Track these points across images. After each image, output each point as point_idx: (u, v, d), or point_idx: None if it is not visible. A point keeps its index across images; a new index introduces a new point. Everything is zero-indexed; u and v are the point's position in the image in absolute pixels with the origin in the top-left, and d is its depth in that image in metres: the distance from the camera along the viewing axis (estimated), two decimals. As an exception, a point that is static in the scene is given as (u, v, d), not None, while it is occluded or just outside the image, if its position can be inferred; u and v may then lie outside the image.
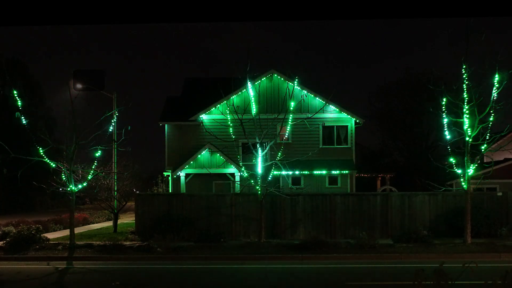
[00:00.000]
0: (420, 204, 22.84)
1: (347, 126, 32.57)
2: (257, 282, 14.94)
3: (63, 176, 21.41)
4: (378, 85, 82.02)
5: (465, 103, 19.81)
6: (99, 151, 22.05)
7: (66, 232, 23.94)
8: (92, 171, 22.51)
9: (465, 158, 20.13)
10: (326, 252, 18.96)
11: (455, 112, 20.54)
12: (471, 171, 20.17)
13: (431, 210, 22.80)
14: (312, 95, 31.98)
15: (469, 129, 19.92)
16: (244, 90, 26.30)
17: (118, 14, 4.02)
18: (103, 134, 22.09)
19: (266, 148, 22.02)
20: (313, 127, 31.56)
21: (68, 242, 20.83)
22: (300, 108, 29.66)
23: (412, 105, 46.14)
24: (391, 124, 49.59)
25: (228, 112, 24.50)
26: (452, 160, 20.74)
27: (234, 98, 27.22)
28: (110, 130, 22.80)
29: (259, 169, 21.54)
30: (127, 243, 21.13)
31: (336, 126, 32.58)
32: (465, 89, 19.79)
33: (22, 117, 20.98)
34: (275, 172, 24.46)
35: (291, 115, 23.03)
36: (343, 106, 32.55)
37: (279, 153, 22.19)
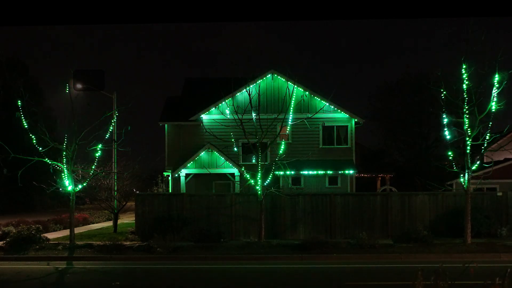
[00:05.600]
0: (420, 204, 22.83)
1: (347, 126, 32.56)
2: (257, 282, 14.94)
3: (63, 176, 21.41)
4: (378, 85, 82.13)
5: (465, 103, 19.81)
6: (99, 151, 22.07)
7: (66, 232, 23.93)
8: (92, 171, 22.51)
9: (465, 158, 20.13)
10: (326, 252, 18.96)
11: (455, 112, 20.53)
12: (471, 171, 20.16)
13: (431, 210, 22.80)
14: (312, 95, 31.97)
15: (469, 129, 19.91)
16: (244, 90, 26.29)
17: (118, 14, 4.02)
18: (103, 134, 22.10)
19: (266, 148, 22.02)
20: (313, 127, 31.56)
21: (68, 242, 20.83)
22: (300, 108, 29.65)
23: (412, 105, 46.15)
24: (391, 124, 49.57)
25: (228, 112, 24.51)
26: (452, 159, 20.74)
27: (234, 98, 27.17)
28: (110, 130, 22.80)
29: (259, 169, 21.54)
30: (127, 243, 21.13)
31: (336, 126, 32.57)
32: (465, 89, 19.78)
33: (22, 117, 20.99)
34: (275, 172, 24.46)
35: (291, 115, 23.02)
36: (343, 106, 32.54)
37: (279, 153, 22.17)
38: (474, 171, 20.37)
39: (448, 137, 20.93)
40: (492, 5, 3.93)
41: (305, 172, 31.24)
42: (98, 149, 21.94)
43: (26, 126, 20.89)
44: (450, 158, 20.89)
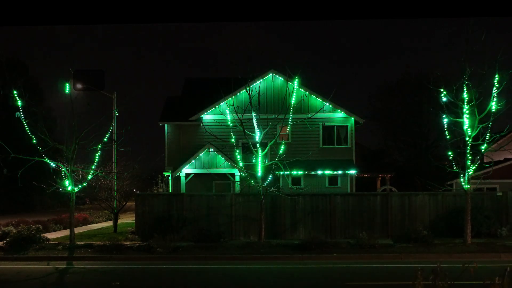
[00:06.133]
0: (420, 204, 22.83)
1: (347, 126, 32.56)
2: (257, 282, 14.94)
3: (63, 176, 21.40)
4: (378, 85, 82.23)
5: (465, 103, 19.81)
6: (99, 151, 22.06)
7: (66, 232, 23.93)
8: (92, 171, 22.51)
9: (465, 158, 20.12)
10: (326, 252, 18.96)
11: (455, 112, 20.52)
12: (471, 171, 20.17)
13: (431, 210, 22.80)
14: (312, 95, 31.96)
15: (469, 129, 19.91)
16: (244, 90, 26.27)
17: (118, 14, 4.02)
18: (103, 134, 22.11)
19: (266, 148, 22.02)
20: (313, 127, 31.53)
21: (68, 242, 20.83)
22: (300, 108, 29.61)
23: (412, 105, 46.16)
24: (391, 124, 49.60)
25: (228, 112, 24.50)
26: (452, 159, 20.74)
27: (234, 98, 27.25)
28: (110, 130, 22.80)
29: (259, 169, 21.53)
30: (127, 243, 21.13)
31: (336, 126, 32.56)
32: (465, 89, 19.78)
33: (22, 117, 20.98)
34: (275, 172, 24.44)
35: (291, 115, 23.02)
36: (343, 106, 32.54)
37: (279, 153, 22.17)
38: (474, 171, 20.36)
39: (448, 137, 20.93)
40: (492, 5, 3.93)
41: (305, 172, 31.24)
42: (98, 149, 21.94)
43: (26, 126, 20.89)
44: (450, 158, 20.89)
